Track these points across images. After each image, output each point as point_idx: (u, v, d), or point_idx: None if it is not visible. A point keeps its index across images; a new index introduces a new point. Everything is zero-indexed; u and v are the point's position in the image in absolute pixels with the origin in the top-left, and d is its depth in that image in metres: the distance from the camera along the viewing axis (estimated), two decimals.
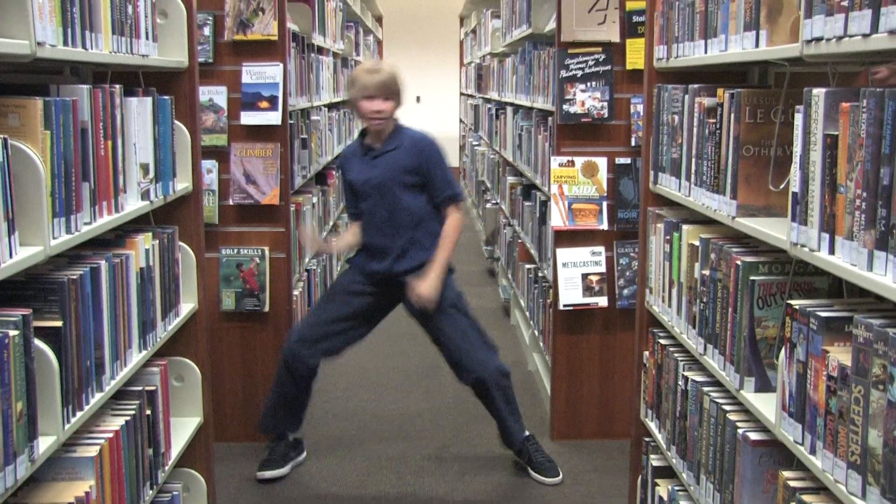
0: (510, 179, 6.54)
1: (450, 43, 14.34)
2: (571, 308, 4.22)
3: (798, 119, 1.67)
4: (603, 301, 4.22)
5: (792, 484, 1.72)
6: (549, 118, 4.53)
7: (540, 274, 4.94)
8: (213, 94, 4.05)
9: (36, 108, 1.66)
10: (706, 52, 2.25)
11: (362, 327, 3.80)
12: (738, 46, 2.03)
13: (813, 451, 1.64)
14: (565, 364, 4.33)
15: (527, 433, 3.88)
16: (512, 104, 6.39)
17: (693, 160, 2.34)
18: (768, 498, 1.95)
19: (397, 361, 5.38)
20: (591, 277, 4.23)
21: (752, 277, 1.96)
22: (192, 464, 2.83)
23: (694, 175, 2.33)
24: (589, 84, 4.13)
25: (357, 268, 3.77)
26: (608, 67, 4.10)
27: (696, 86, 2.34)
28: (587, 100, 4.14)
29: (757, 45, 1.91)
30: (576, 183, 4.19)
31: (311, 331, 3.73)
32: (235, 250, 4.16)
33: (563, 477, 3.92)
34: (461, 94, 13.52)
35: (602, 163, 4.19)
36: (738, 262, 2.00)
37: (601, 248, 4.22)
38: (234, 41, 4.03)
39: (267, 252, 4.16)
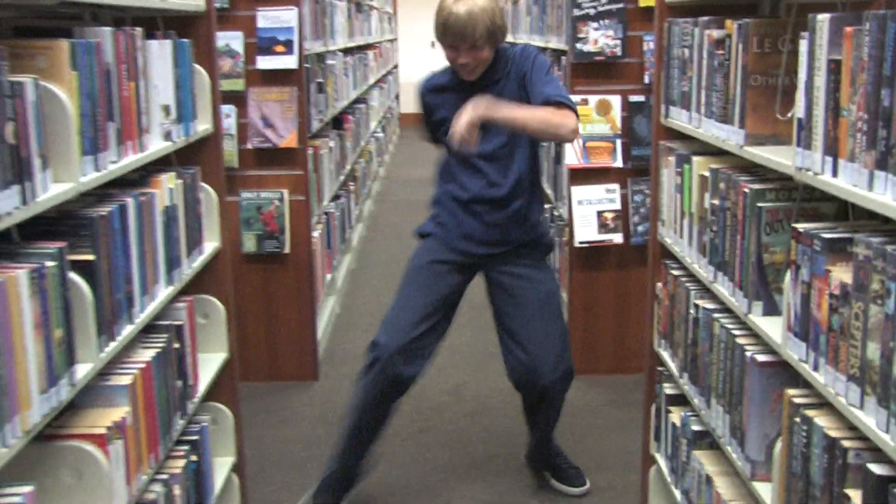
0: None
1: None
2: (587, 245, 4.29)
3: (803, 46, 1.71)
4: (618, 238, 4.28)
5: (796, 400, 1.79)
6: (563, 57, 4.54)
7: (556, 213, 4.99)
8: (230, 40, 4.09)
9: (63, 49, 1.72)
10: None
11: (450, 317, 3.13)
12: None
13: (816, 368, 1.71)
14: (581, 300, 4.40)
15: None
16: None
17: (703, 92, 2.37)
18: (774, 417, 2.02)
19: None
20: (606, 214, 4.28)
21: (759, 204, 2.01)
22: (219, 398, 2.93)
23: (703, 107, 2.37)
24: (602, 22, 4.14)
25: (441, 240, 3.09)
26: (621, 5, 4.11)
27: (705, 18, 2.37)
28: (600, 38, 4.15)
29: None
30: (590, 121, 4.22)
31: (408, 336, 2.98)
32: (255, 193, 4.23)
33: (581, 410, 4.02)
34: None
35: (616, 101, 4.22)
36: (746, 190, 2.05)
37: (615, 186, 4.27)
38: None
39: (286, 195, 4.24)
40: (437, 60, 3.13)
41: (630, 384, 4.24)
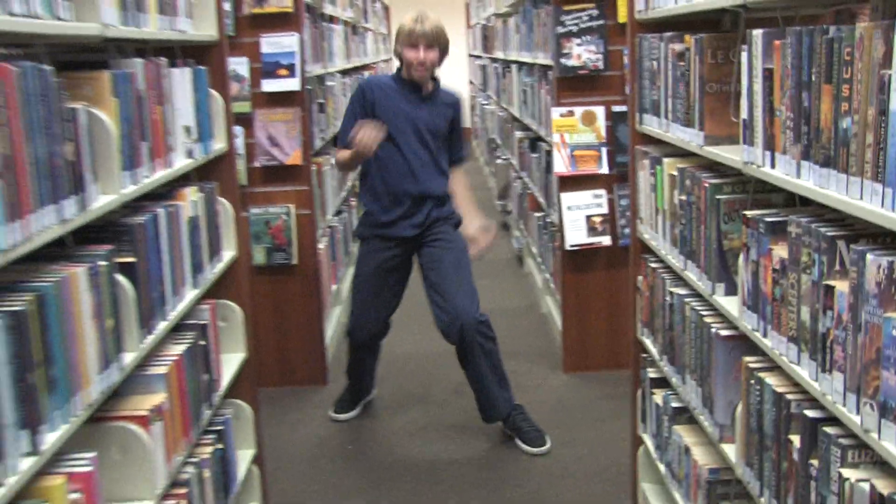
0: (518, 134, 6.85)
1: (455, 6, 14.52)
2: (577, 248, 4.55)
3: (744, 57, 1.98)
4: (606, 240, 4.55)
5: (751, 365, 2.05)
6: (550, 72, 4.82)
7: (548, 220, 5.26)
8: (236, 65, 4.37)
9: (105, 80, 1.99)
10: (676, 2, 2.55)
11: (402, 288, 4.02)
12: None
13: (765, 335, 1.97)
14: (574, 301, 4.66)
15: (515, 403, 3.92)
16: (516, 62, 6.67)
17: (669, 100, 2.64)
18: (738, 385, 2.27)
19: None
20: (595, 219, 4.55)
21: (717, 196, 2.27)
22: (239, 395, 3.18)
23: (670, 113, 2.64)
24: (584, 38, 4.42)
25: (377, 240, 3.89)
26: (601, 22, 4.39)
27: (669, 34, 2.64)
28: (583, 53, 4.43)
29: None
30: (576, 131, 4.49)
31: (370, 322, 3.99)
32: (264, 209, 4.50)
33: (576, 404, 4.27)
34: (469, 55, 13.75)
35: (600, 111, 4.50)
36: (706, 185, 2.32)
37: (602, 191, 4.53)
38: (253, 14, 4.34)
39: (293, 209, 4.50)
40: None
41: (623, 378, 4.46)
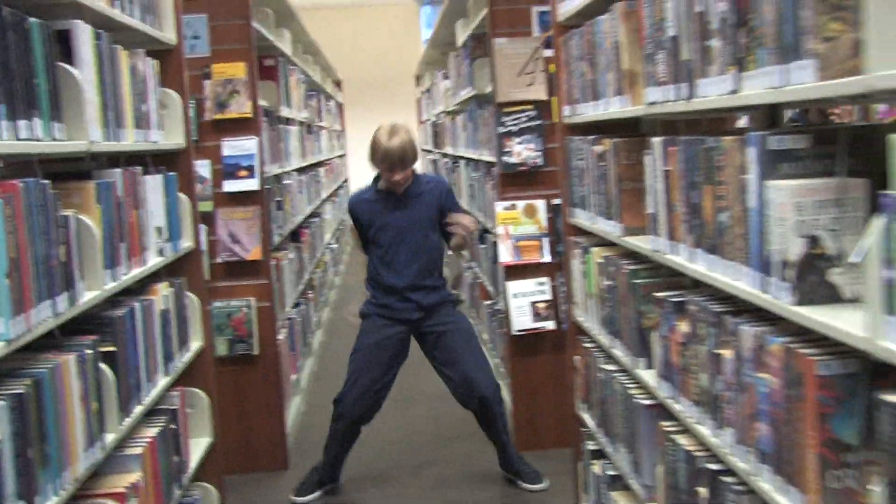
0: None
1: (408, 102, 15.06)
2: (524, 332, 4.82)
3: (648, 160, 2.30)
4: (550, 324, 4.83)
5: (667, 429, 2.32)
6: (494, 168, 5.16)
7: (497, 307, 5.54)
8: (200, 167, 4.64)
9: (91, 189, 2.25)
10: (595, 111, 2.89)
11: (398, 368, 4.25)
12: (613, 107, 2.67)
13: (676, 401, 2.24)
14: (523, 383, 4.91)
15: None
16: (464, 158, 7.04)
17: (594, 195, 2.97)
18: (659, 449, 2.54)
19: None
20: (539, 304, 4.84)
21: (634, 281, 2.57)
22: (206, 478, 3.37)
23: (595, 207, 2.96)
24: (524, 137, 4.78)
25: (378, 318, 4.17)
26: (539, 122, 4.75)
27: (591, 136, 2.97)
28: (523, 151, 4.78)
29: (623, 106, 2.55)
30: (519, 223, 4.82)
31: (362, 397, 4.18)
32: (226, 302, 4.73)
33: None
34: (421, 149, 14.22)
35: (541, 204, 4.83)
36: (625, 271, 2.62)
37: (546, 279, 4.84)
38: (215, 120, 4.65)
39: (253, 302, 4.74)
40: None
41: (571, 455, 4.72)
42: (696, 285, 2.47)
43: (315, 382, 6.55)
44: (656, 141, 2.23)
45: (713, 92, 1.83)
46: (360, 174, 15.30)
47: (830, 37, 1.37)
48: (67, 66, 2.14)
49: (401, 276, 4.13)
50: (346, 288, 10.53)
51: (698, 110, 1.96)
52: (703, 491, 2.06)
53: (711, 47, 1.83)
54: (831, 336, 1.44)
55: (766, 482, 1.70)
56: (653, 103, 2.24)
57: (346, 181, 14.45)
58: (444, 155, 9.40)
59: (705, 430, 2.03)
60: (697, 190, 1.99)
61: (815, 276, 1.55)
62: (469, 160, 6.73)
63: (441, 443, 5.08)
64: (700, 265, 2.01)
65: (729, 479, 1.92)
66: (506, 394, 5.44)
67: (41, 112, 1.96)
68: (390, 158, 3.98)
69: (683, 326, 2.16)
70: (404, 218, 4.12)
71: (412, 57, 14.76)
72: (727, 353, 1.87)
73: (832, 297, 1.56)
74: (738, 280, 1.78)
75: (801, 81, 1.46)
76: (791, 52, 1.49)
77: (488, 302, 6.07)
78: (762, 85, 1.60)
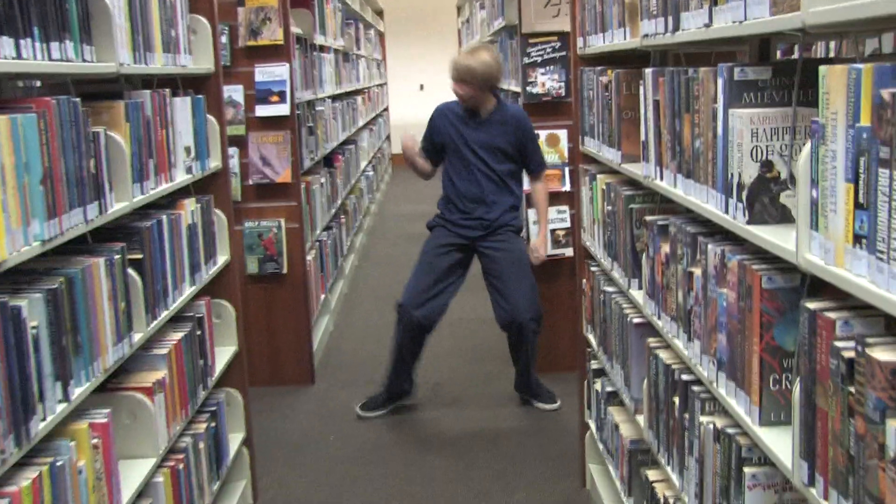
0: None
1: (449, 32, 15.05)
2: (544, 259, 4.97)
3: (641, 90, 2.43)
4: (569, 251, 4.98)
5: (652, 345, 2.48)
6: (520, 98, 5.27)
7: (521, 235, 5.69)
8: (232, 92, 4.82)
9: (120, 108, 2.43)
10: (603, 42, 3.00)
11: (458, 280, 4.50)
12: (617, 39, 2.78)
13: (659, 317, 2.40)
14: (543, 308, 5.07)
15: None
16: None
17: (599, 124, 3.09)
18: (645, 364, 2.70)
19: None
20: (559, 232, 4.99)
21: (630, 206, 2.71)
22: (231, 384, 3.61)
23: (601, 135, 3.09)
24: (548, 68, 4.88)
25: (443, 228, 4.48)
26: (563, 53, 4.85)
27: (598, 67, 3.09)
28: (547, 81, 4.89)
29: (624, 38, 2.67)
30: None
31: (421, 296, 4.38)
32: (256, 223, 4.94)
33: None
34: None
35: (563, 134, 4.95)
36: (623, 196, 2.76)
37: (566, 207, 4.97)
38: (247, 47, 4.80)
39: (283, 223, 4.94)
40: (426, 102, 3.91)
41: (579, 375, 4.91)
42: (689, 211, 2.61)
43: (344, 304, 6.78)
44: (648, 72, 2.35)
45: (692, 25, 1.95)
46: (400, 103, 15.47)
47: None
48: None
49: (468, 193, 4.40)
50: (383, 216, 10.73)
51: (680, 42, 2.07)
52: (676, 400, 2.23)
53: None
54: (770, 251, 1.59)
55: (721, 387, 1.86)
56: (646, 35, 2.35)
57: (385, 110, 14.55)
58: None
59: (679, 344, 2.19)
60: (679, 118, 2.11)
61: (766, 197, 1.68)
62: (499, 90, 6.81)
63: (461, 364, 5.30)
64: (679, 189, 2.14)
65: (697, 388, 2.08)
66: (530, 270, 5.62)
67: (72, 35, 2.13)
68: (454, 71, 4.32)
69: (666, 248, 2.30)
70: (481, 138, 4.38)
71: None
72: (697, 271, 2.02)
73: (783, 217, 1.70)
74: (707, 202, 1.92)
75: (757, 16, 1.58)
76: None
77: None
78: (729, 19, 1.72)
